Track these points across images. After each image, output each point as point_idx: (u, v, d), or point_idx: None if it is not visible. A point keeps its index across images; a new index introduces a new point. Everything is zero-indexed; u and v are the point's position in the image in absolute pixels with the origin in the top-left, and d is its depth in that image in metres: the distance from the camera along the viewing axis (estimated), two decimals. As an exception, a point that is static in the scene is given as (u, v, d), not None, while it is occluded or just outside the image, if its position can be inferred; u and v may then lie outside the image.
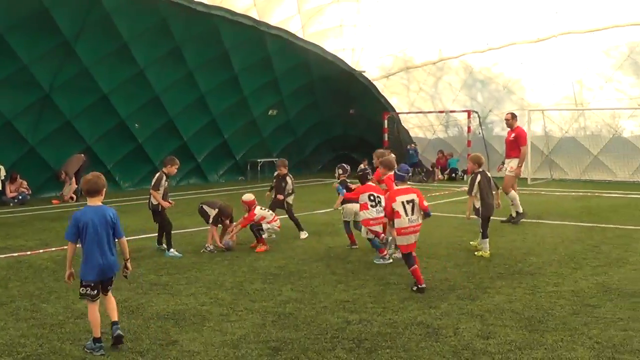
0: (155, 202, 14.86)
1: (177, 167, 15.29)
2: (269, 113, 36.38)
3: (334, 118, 40.10)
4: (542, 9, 30.00)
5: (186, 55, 29.59)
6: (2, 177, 25.81)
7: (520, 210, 19.01)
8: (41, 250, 15.48)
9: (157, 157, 31.25)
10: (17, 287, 11.68)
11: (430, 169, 35.88)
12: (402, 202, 11.18)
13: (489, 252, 13.80)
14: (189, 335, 8.69)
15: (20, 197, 25.98)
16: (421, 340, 8.30)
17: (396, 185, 11.86)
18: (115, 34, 26.19)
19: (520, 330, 8.67)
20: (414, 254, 11.22)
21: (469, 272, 12.26)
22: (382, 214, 13.00)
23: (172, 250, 14.60)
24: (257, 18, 30.17)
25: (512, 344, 8.11)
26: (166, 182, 15.00)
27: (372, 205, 13.57)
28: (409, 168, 13.02)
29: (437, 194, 27.28)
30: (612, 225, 17.95)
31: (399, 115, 39.04)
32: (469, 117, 35.65)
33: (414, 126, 39.42)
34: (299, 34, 32.85)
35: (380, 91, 38.34)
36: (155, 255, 14.52)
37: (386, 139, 38.04)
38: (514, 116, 19.98)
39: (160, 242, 15.31)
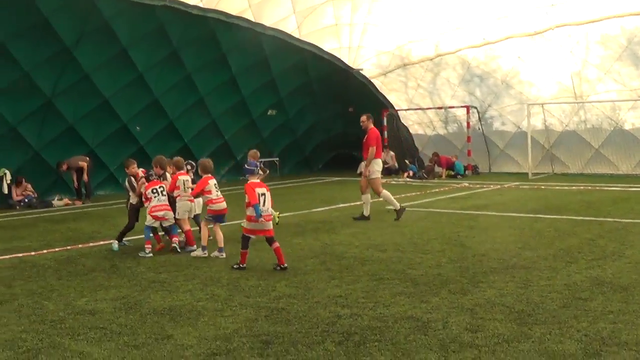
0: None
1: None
2: (268, 113, 36.51)
3: (333, 117, 40.25)
4: (539, 1, 29.96)
5: (184, 58, 29.87)
6: (9, 181, 26.10)
7: (367, 213, 19.63)
8: (45, 251, 15.73)
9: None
10: (21, 286, 11.93)
11: (431, 165, 35.77)
12: (258, 194, 12.62)
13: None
14: (183, 329, 8.87)
15: (26, 200, 26.28)
16: (410, 333, 8.42)
17: (249, 180, 13.07)
18: (115, 40, 26.51)
19: (510, 323, 8.74)
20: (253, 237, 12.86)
21: (463, 267, 12.36)
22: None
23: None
24: (253, 19, 30.39)
25: (500, 337, 8.19)
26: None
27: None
28: (257, 163, 14.95)
29: (437, 190, 27.40)
30: (610, 219, 17.99)
31: (398, 112, 39.02)
32: (467, 112, 35.73)
33: (414, 123, 39.40)
34: (295, 34, 33.02)
35: (379, 88, 38.33)
36: (156, 253, 14.73)
37: (385, 136, 38.06)
38: (369, 117, 20.24)
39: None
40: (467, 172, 35.00)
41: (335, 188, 30.13)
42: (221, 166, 36.21)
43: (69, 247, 16.04)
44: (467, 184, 29.85)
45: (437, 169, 35.47)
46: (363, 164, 19.99)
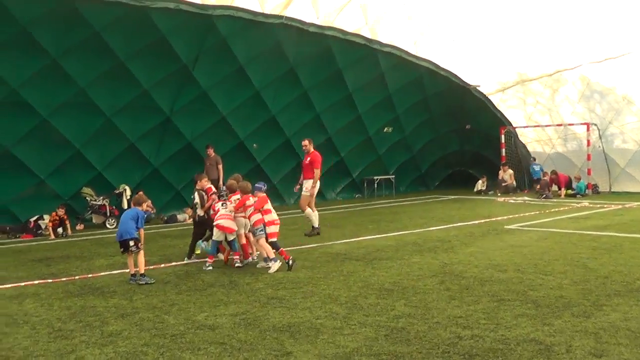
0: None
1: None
2: (384, 130, 36.37)
3: (450, 134, 39.85)
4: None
5: (300, 76, 29.99)
6: (128, 197, 26.45)
7: (316, 225, 21.25)
8: (163, 265, 16.08)
9: (275, 176, 31.88)
10: (141, 300, 12.18)
11: (545, 180, 35.04)
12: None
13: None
14: (303, 347, 8.89)
15: (145, 215, 26.61)
16: (533, 357, 8.25)
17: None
18: (231, 58, 26.76)
19: (635, 348, 8.48)
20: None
21: (585, 289, 12.04)
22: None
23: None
24: (369, 36, 30.40)
25: (626, 362, 7.96)
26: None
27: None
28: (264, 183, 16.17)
29: (556, 209, 26.94)
30: None
31: (516, 129, 38.53)
32: (588, 130, 34.99)
33: (532, 140, 38.89)
34: (412, 50, 32.83)
35: (496, 105, 37.71)
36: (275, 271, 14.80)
37: (504, 153, 37.69)
38: (310, 142, 21.91)
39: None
40: (587, 192, 34.26)
41: (453, 206, 29.83)
42: (337, 184, 36.32)
43: (187, 262, 16.27)
44: (587, 204, 29.19)
45: (555, 187, 34.85)
46: (307, 183, 21.29)
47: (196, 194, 16.81)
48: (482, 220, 23.33)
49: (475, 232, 20.20)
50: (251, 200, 15.47)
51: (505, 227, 21.20)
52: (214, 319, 10.51)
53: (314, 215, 21.14)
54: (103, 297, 12.56)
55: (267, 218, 15.39)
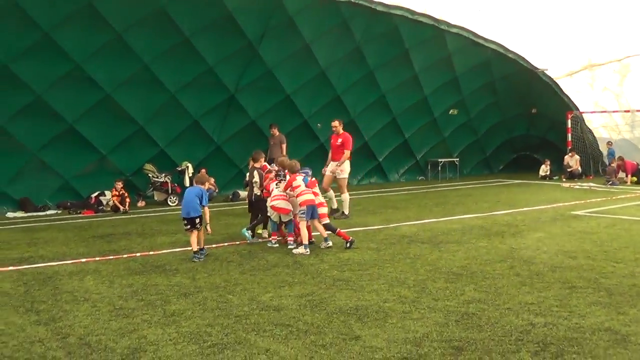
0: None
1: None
2: (450, 112, 36.01)
3: (516, 118, 39.25)
4: None
5: (367, 55, 29.77)
6: (191, 174, 26.46)
7: (347, 211, 20.87)
8: (226, 244, 15.91)
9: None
10: (204, 279, 11.98)
11: (612, 167, 34.34)
12: None
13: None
14: (371, 331, 8.63)
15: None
16: (609, 347, 7.93)
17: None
18: (298, 36, 26.64)
19: None
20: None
21: (660, 276, 11.68)
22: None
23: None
24: (437, 17, 29.99)
25: None
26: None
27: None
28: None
29: (623, 196, 26.35)
30: None
31: (583, 114, 37.82)
32: (656, 116, 34.37)
33: (599, 126, 38.26)
34: (480, 32, 32.40)
35: (564, 90, 37.11)
36: (339, 252, 14.54)
37: (569, 139, 37.10)
38: (341, 122, 21.64)
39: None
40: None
41: (518, 190, 29.37)
42: (401, 165, 36.06)
43: (250, 242, 16.06)
44: (656, 191, 28.59)
45: (622, 174, 34.13)
46: (333, 164, 21.12)
47: (255, 172, 16.52)
48: (548, 206, 22.88)
49: (542, 217, 19.79)
50: (298, 180, 15.27)
51: (572, 213, 20.76)
52: (279, 300, 10.28)
53: (348, 199, 21.04)
54: (165, 275, 12.42)
55: (317, 200, 15.32)
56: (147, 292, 10.96)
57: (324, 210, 15.43)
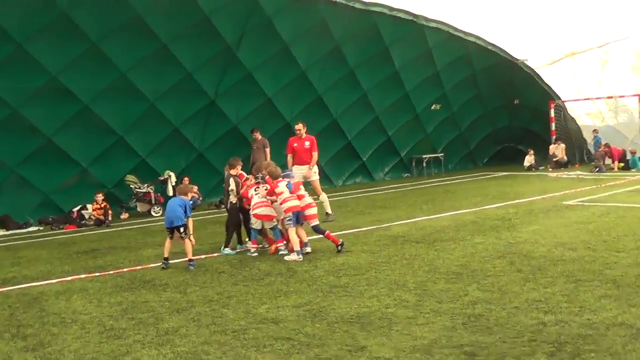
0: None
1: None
2: (432, 108, 35.84)
3: (498, 109, 39.22)
4: None
5: (347, 54, 29.56)
6: (174, 183, 26.01)
7: (329, 210, 20.46)
8: (216, 254, 15.39)
9: (322, 158, 31.20)
10: (196, 292, 11.49)
11: (600, 152, 34.18)
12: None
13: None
14: (377, 340, 8.19)
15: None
16: (627, 342, 7.54)
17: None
18: (276, 37, 26.39)
19: None
20: None
21: (665, 264, 11.34)
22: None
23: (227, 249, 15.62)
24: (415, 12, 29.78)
25: None
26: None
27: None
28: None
29: (612, 183, 26.11)
30: None
31: (565, 103, 37.66)
32: (639, 101, 34.18)
33: (582, 114, 38.14)
34: (459, 26, 32.20)
35: (545, 80, 37.01)
36: (332, 256, 14.11)
37: (553, 128, 36.96)
38: (304, 124, 21.28)
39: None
40: (640, 166, 33.41)
41: (505, 183, 29.21)
42: (385, 163, 35.87)
43: (239, 250, 15.66)
44: (644, 176, 28.39)
45: (608, 161, 33.96)
46: (301, 168, 20.57)
47: (231, 180, 15.99)
48: (539, 197, 22.70)
49: (534, 209, 19.54)
50: (281, 186, 14.80)
51: (564, 203, 20.55)
52: (276, 312, 9.80)
53: (327, 199, 20.77)
54: (155, 290, 11.91)
55: (303, 202, 14.93)
56: (138, 310, 10.45)
57: (313, 210, 15.00)
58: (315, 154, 20.71)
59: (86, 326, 9.70)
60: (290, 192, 14.78)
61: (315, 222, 14.95)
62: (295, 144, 20.84)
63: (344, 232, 17.08)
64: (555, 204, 20.30)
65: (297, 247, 14.21)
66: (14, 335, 9.49)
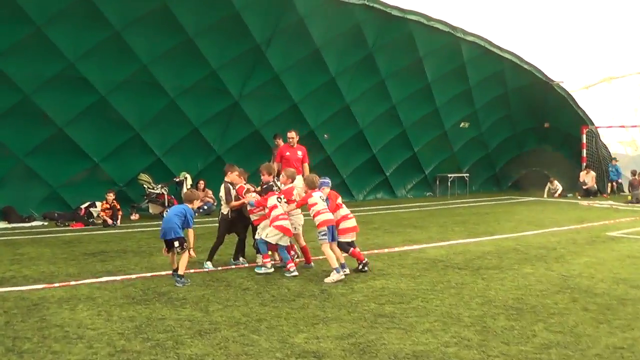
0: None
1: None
2: (461, 125, 34.73)
3: (527, 132, 38.11)
4: None
5: (379, 62, 28.48)
6: (189, 186, 24.91)
7: None
8: (234, 267, 14.04)
9: (344, 170, 30.42)
10: (220, 312, 10.03)
11: (637, 179, 32.80)
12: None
13: None
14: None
15: (205, 207, 24.95)
16: None
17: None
18: (308, 39, 25.35)
19: None
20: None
21: None
22: None
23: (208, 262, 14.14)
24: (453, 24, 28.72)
25: None
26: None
27: None
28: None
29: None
30: None
31: (598, 129, 36.38)
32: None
33: (615, 141, 36.93)
34: (495, 41, 30.97)
35: (579, 103, 35.81)
36: (369, 278, 12.69)
37: (584, 154, 35.67)
38: (297, 133, 20.90)
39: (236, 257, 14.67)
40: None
41: (536, 209, 28.02)
42: (408, 180, 34.74)
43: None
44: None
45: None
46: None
47: (222, 186, 14.53)
48: (578, 226, 21.49)
49: (577, 239, 18.28)
50: (315, 197, 13.28)
51: (608, 234, 19.32)
52: (316, 343, 8.35)
53: None
54: (172, 305, 10.45)
55: (341, 212, 13.58)
56: (154, 329, 9.01)
57: (352, 223, 13.62)
58: (306, 166, 20.23)
59: (94, 345, 8.26)
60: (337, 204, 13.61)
61: (349, 237, 13.55)
62: (287, 153, 20.26)
63: (375, 251, 15.89)
64: (598, 235, 19.07)
65: (335, 264, 12.66)
66: (9, 350, 8.11)
